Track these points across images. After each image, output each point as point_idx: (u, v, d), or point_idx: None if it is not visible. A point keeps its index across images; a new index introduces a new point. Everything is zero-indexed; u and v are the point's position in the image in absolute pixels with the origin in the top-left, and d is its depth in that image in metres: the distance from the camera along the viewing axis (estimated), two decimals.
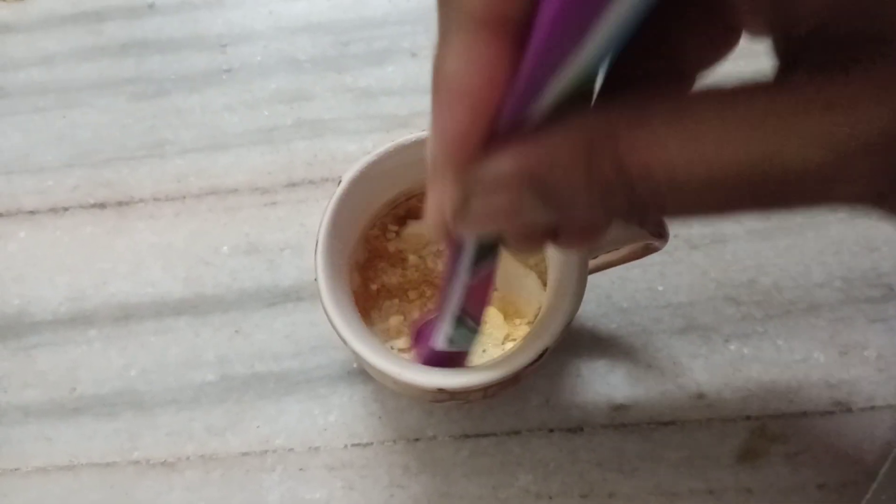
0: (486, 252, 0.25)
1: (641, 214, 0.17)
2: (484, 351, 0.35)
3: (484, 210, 0.19)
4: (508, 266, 0.35)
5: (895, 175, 0.15)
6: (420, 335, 0.33)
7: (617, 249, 0.32)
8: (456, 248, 0.24)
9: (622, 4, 0.14)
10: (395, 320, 0.36)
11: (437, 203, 0.20)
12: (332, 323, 0.30)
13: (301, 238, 0.42)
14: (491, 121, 0.17)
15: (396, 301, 0.36)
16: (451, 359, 0.31)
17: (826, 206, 0.16)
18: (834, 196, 0.16)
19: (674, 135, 0.16)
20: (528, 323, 0.35)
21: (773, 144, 0.15)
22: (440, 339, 0.29)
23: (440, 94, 0.17)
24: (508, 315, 0.36)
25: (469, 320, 0.28)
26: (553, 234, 0.23)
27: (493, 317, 0.35)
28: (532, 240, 0.23)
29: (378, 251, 0.37)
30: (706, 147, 0.16)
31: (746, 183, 0.16)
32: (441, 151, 0.18)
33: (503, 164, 0.17)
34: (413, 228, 0.37)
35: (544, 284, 0.35)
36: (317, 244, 0.31)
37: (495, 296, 0.36)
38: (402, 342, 0.35)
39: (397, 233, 0.37)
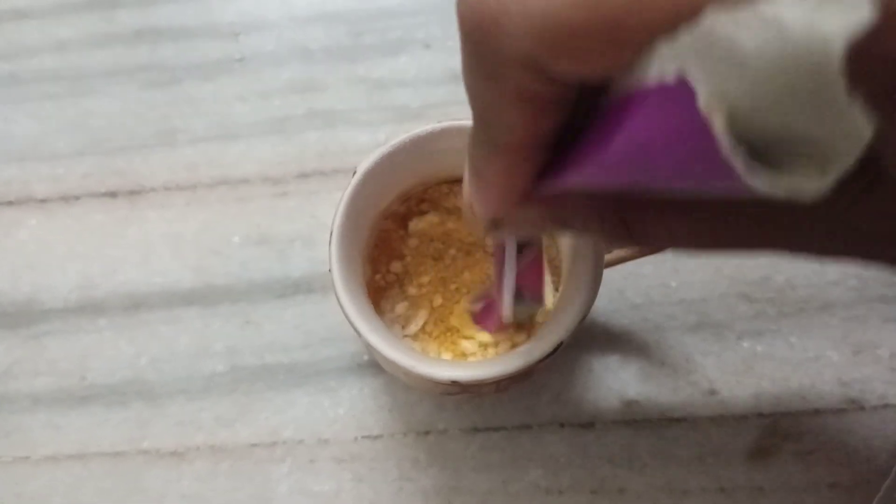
0: (527, 243, 0.28)
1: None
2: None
3: (511, 231, 0.25)
4: None
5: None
6: (481, 315, 0.35)
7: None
8: (499, 244, 0.29)
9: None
10: (401, 307, 0.35)
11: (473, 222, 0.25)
12: (346, 314, 0.30)
13: (312, 229, 0.41)
14: (520, 198, 0.21)
15: (402, 289, 0.36)
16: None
17: None
18: None
19: (674, 218, 0.19)
20: (538, 324, 0.35)
21: (760, 243, 0.19)
22: (506, 315, 0.31)
23: (483, 184, 0.21)
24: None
25: (527, 296, 0.30)
26: None
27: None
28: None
29: (388, 242, 0.36)
30: (701, 231, 0.19)
31: (741, 253, 0.20)
32: (480, 210, 0.22)
33: (532, 214, 0.22)
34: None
35: (556, 288, 0.35)
36: (331, 235, 0.31)
37: None
38: (410, 328, 0.35)
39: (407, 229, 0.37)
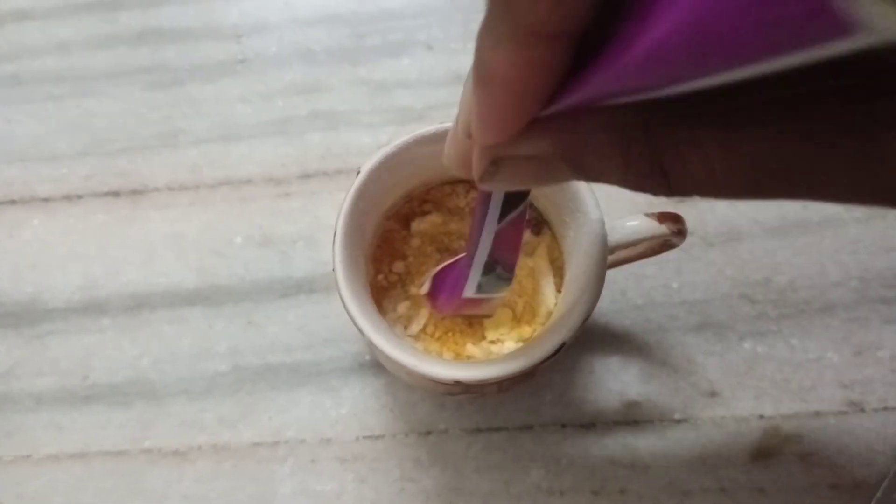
0: (516, 197, 0.25)
1: (673, 194, 0.17)
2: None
3: (512, 176, 0.20)
4: (529, 265, 0.35)
5: None
6: (440, 283, 0.32)
7: (634, 245, 0.32)
8: (484, 195, 0.24)
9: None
10: (403, 307, 0.35)
11: (465, 162, 0.22)
12: (349, 314, 0.30)
13: (314, 230, 0.42)
14: (533, 113, 0.18)
15: (405, 289, 0.36)
16: (474, 303, 0.31)
17: None
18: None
19: (715, 143, 0.16)
20: (540, 324, 0.35)
21: (813, 173, 0.15)
22: (469, 287, 0.29)
23: (490, 89, 0.17)
24: (519, 317, 0.36)
25: (499, 267, 0.28)
26: None
27: (502, 318, 0.35)
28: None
29: (391, 242, 0.36)
30: (746, 160, 0.15)
31: (781, 194, 0.16)
32: (481, 132, 0.19)
33: (541, 143, 0.19)
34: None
35: (559, 289, 0.35)
36: (335, 234, 0.31)
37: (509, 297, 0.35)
38: (412, 328, 0.35)
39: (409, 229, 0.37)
